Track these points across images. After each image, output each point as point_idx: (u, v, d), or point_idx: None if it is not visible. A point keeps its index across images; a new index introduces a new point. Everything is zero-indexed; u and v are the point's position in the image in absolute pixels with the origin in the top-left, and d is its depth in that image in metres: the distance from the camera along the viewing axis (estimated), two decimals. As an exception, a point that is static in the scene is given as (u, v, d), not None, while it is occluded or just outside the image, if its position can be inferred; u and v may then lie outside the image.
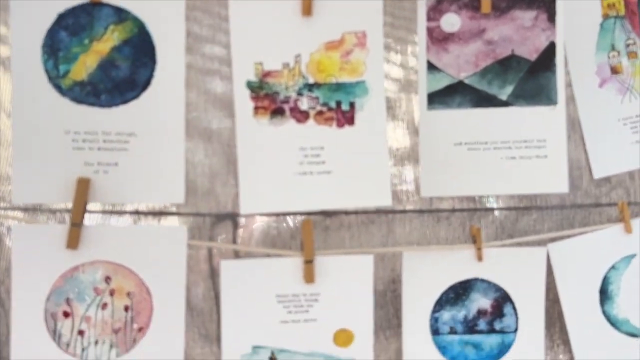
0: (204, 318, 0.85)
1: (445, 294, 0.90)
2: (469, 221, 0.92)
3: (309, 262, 0.85)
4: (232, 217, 0.87)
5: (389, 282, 0.91)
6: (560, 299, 0.91)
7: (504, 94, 0.89)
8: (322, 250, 0.87)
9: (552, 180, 0.91)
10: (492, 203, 0.93)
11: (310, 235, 0.85)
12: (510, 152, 0.90)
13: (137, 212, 0.83)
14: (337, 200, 0.85)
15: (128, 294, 0.79)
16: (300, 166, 0.84)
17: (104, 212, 0.81)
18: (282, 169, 0.84)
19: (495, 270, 0.90)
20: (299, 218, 0.88)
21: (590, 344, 0.93)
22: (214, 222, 0.86)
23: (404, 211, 0.91)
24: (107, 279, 0.79)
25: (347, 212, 0.90)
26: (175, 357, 0.81)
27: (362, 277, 0.87)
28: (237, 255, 0.86)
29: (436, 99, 0.89)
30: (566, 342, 0.93)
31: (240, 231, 0.86)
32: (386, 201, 0.85)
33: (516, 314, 0.91)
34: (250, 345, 0.85)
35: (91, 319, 0.79)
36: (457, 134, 0.89)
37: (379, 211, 0.90)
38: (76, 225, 0.76)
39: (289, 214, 0.88)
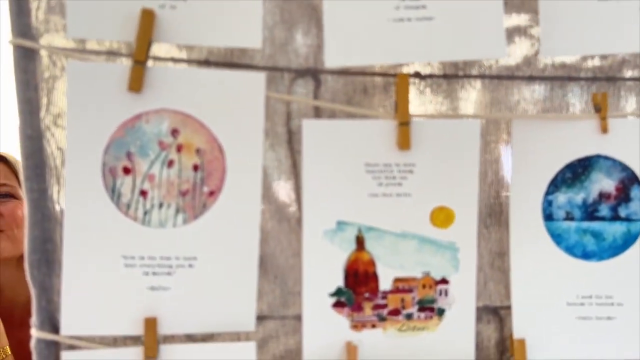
0: (276, 192, 0.76)
1: (562, 172, 0.77)
2: (590, 88, 0.80)
3: (404, 125, 0.74)
4: (314, 73, 0.76)
5: (491, 160, 0.80)
6: None
7: None
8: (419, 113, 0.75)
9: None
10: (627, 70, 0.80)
11: (406, 92, 0.73)
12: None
13: (206, 62, 0.73)
14: (439, 52, 0.74)
15: (197, 151, 0.69)
16: (396, 11, 0.72)
17: (171, 59, 0.72)
18: (375, 15, 0.72)
19: (622, 145, 0.77)
20: (393, 73, 0.76)
21: None
22: (293, 78, 0.76)
23: (512, 77, 0.79)
24: (174, 132, 0.69)
25: (446, 74, 0.79)
26: (250, 228, 0.71)
27: (466, 145, 0.75)
28: (319, 116, 0.75)
29: None
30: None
31: (323, 89, 0.76)
32: (500, 53, 0.73)
33: None
34: (335, 221, 0.74)
35: (155, 177, 0.69)
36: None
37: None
38: (139, 63, 0.66)
39: (379, 72, 0.76)
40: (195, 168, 0.69)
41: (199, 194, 0.70)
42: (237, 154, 0.70)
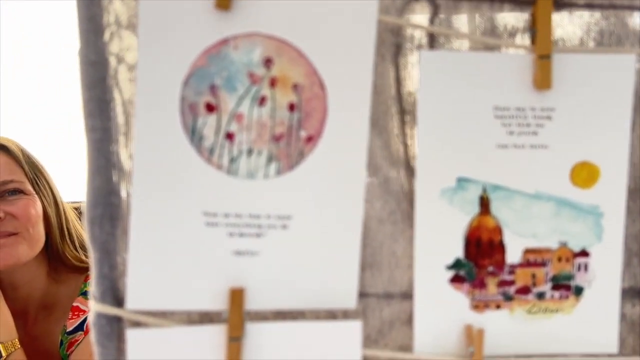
0: (388, 136, 0.64)
1: None
2: None
3: (544, 59, 0.61)
4: None
5: None
6: None
7: None
8: (559, 46, 0.62)
9: None
10: None
11: (549, 16, 0.60)
12: None
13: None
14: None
15: (295, 87, 0.57)
16: None
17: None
18: None
19: None
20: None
21: None
22: (406, 2, 0.64)
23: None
24: (268, 62, 0.57)
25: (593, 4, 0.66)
26: (355, 183, 0.58)
27: (617, 87, 0.63)
28: (433, 46, 0.63)
29: None
30: None
31: (442, 17, 0.64)
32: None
33: None
34: (455, 177, 0.62)
35: (244, 117, 0.58)
36: None
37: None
38: (228, -27, 0.55)
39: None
40: (292, 107, 0.58)
41: (295, 139, 0.58)
42: (341, 92, 0.58)
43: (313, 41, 0.57)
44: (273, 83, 0.57)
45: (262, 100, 0.57)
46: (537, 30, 0.60)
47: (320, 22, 0.57)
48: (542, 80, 0.60)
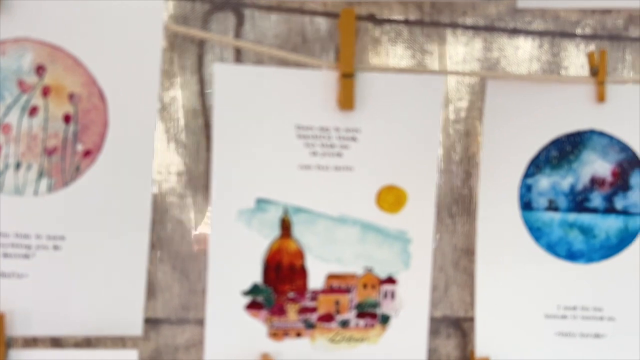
0: (190, 151, 0.62)
1: (545, 150, 0.64)
2: (588, 47, 0.67)
3: (347, 78, 0.60)
4: (236, 7, 0.62)
5: (460, 134, 0.66)
6: None
7: None
8: (368, 64, 0.61)
9: None
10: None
11: (352, 34, 0.59)
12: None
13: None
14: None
15: (71, 97, 0.54)
16: None
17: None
18: None
19: (623, 119, 0.63)
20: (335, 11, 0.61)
21: None
22: (209, 12, 0.62)
23: (491, 28, 0.65)
24: (40, 70, 0.53)
25: (408, 21, 0.65)
26: (140, 202, 0.56)
27: (427, 109, 0.62)
28: (239, 60, 0.60)
29: None
30: None
31: (247, 28, 0.62)
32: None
33: None
34: (254, 198, 0.60)
35: (11, 128, 0.54)
36: None
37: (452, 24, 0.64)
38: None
39: (320, 11, 0.62)
40: (67, 119, 0.54)
41: (70, 153, 0.55)
42: (124, 104, 0.56)
43: (91, 48, 0.54)
44: (46, 92, 0.54)
45: (33, 111, 0.54)
46: (341, 45, 0.59)
47: (99, 28, 0.54)
48: (345, 99, 0.58)
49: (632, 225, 0.64)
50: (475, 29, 0.64)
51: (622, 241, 0.64)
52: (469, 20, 0.64)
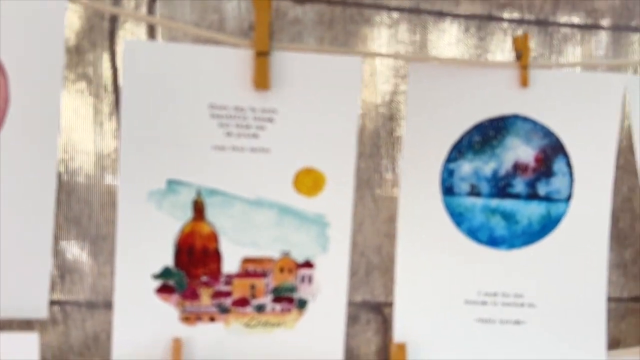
0: (99, 129, 0.60)
1: (468, 135, 0.63)
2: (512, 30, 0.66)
3: (262, 56, 0.58)
4: None
5: (385, 117, 0.66)
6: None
7: None
8: (285, 43, 0.60)
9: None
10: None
11: (267, 10, 0.58)
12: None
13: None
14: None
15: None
16: None
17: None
18: None
19: (547, 104, 0.64)
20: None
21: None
22: (120, -14, 0.60)
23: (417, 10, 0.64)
24: None
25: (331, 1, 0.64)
26: (45, 180, 0.54)
27: (344, 90, 0.61)
28: (153, 37, 0.59)
29: None
30: None
31: (161, 4, 0.60)
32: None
33: (571, 174, 0.66)
34: (164, 179, 0.58)
35: None
36: None
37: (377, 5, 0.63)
38: None
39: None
40: (-36, 93, 0.54)
41: (-33, 129, 0.54)
42: (26, 79, 0.53)
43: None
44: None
45: None
46: (255, 25, 0.57)
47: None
48: (260, 78, 0.57)
49: (555, 212, 0.64)
50: (400, 10, 0.64)
51: (544, 227, 0.64)
52: (393, 2, 0.63)
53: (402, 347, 0.60)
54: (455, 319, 0.63)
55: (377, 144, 0.64)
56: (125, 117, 0.56)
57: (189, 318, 0.59)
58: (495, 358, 0.62)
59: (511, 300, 0.63)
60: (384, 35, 0.63)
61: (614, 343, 0.69)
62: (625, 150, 0.67)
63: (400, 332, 0.62)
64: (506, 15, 0.66)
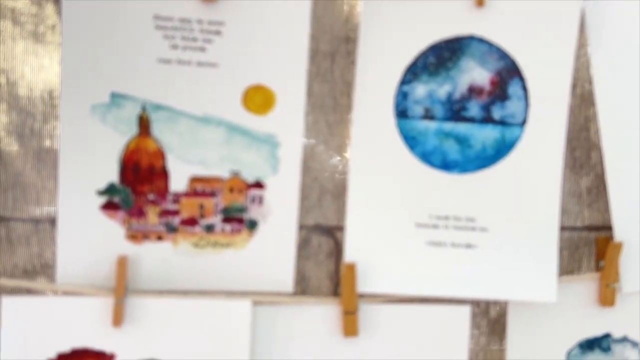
0: (38, 38, 0.58)
1: (423, 56, 0.62)
2: None
3: (209, -35, 0.57)
4: None
5: (340, 39, 0.64)
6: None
7: None
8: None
9: None
10: None
11: None
12: None
13: None
14: None
15: None
16: None
17: None
18: None
19: (502, 25, 0.62)
20: None
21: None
22: None
23: None
24: None
25: None
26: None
27: (294, 2, 0.60)
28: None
29: None
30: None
31: None
32: None
33: (527, 98, 0.66)
34: (108, 92, 0.57)
35: None
36: None
37: None
38: None
39: None
40: None
41: None
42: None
43: None
44: None
45: None
46: None
47: None
48: (207, -11, 0.56)
49: (509, 136, 0.64)
50: None
51: (498, 152, 0.64)
52: None
53: (352, 267, 0.60)
54: (406, 241, 0.63)
55: (330, 67, 0.63)
56: (66, 28, 0.54)
57: (135, 236, 0.58)
58: (446, 281, 0.63)
59: (463, 224, 0.63)
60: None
61: (568, 272, 0.69)
62: (582, 79, 0.67)
63: (351, 253, 0.62)
64: None
